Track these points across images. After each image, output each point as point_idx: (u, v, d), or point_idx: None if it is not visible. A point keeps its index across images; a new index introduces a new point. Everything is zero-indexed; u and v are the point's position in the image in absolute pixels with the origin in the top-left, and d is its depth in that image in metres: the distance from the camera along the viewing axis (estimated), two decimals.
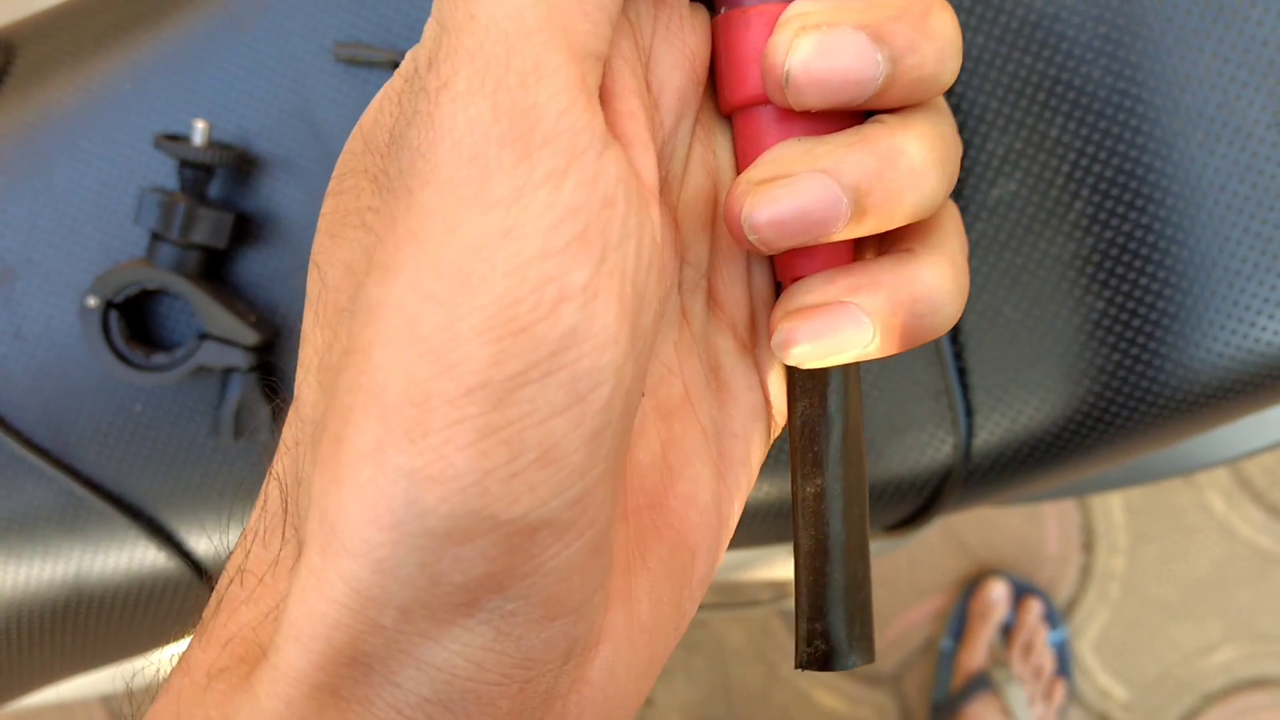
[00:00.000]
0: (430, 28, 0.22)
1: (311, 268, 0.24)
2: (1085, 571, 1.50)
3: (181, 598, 0.62)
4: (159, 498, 0.59)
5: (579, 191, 0.20)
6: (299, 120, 0.56)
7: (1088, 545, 1.50)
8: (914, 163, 0.24)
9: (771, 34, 0.24)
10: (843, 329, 0.24)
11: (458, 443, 0.19)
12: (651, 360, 0.25)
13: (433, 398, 0.19)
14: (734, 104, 0.26)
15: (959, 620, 1.49)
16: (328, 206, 0.24)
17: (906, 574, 1.51)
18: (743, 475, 0.27)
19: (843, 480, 0.27)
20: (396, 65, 0.53)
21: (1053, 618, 1.48)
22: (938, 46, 0.23)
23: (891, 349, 0.26)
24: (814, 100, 0.24)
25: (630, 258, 0.20)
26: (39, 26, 0.62)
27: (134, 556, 0.60)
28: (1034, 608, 1.47)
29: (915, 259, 0.26)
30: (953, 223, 0.28)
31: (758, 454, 0.28)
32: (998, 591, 1.47)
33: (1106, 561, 1.50)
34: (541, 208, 0.19)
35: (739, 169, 0.27)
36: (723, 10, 0.27)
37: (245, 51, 0.56)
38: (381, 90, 0.23)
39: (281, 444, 0.24)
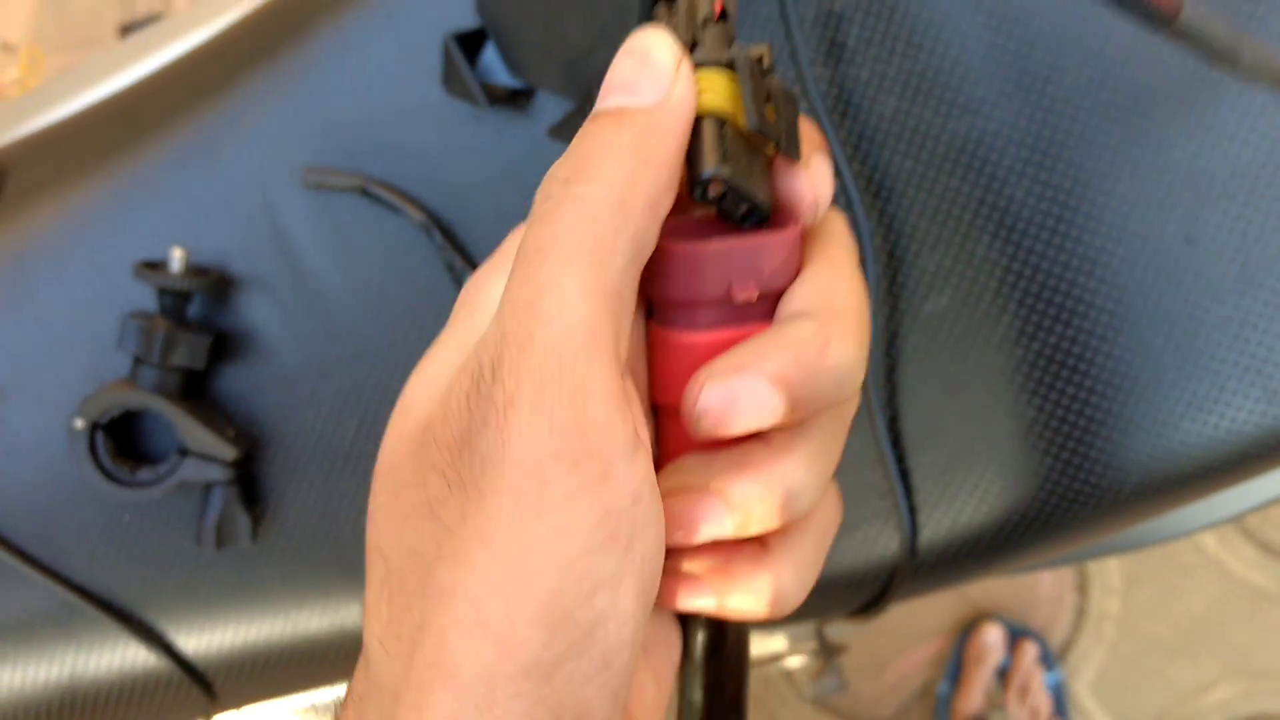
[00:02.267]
0: (493, 332, 0.25)
1: (372, 551, 0.27)
2: (1080, 613, 1.51)
3: (173, 695, 0.64)
4: (148, 602, 0.62)
5: (616, 495, 0.23)
6: (272, 242, 0.59)
7: (1082, 586, 1.52)
8: (793, 486, 0.27)
9: (683, 362, 0.28)
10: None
11: (515, 713, 0.22)
12: None
13: (496, 676, 0.22)
14: (655, 403, 0.30)
15: (955, 664, 1.50)
16: (388, 493, 0.27)
17: (903, 619, 1.52)
18: (670, 675, 0.31)
19: None
20: (363, 190, 0.56)
21: (1048, 660, 1.49)
22: (835, 376, 0.26)
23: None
24: (719, 434, 0.27)
25: (649, 544, 0.24)
26: (26, 151, 0.65)
27: (125, 658, 0.63)
28: (1030, 650, 1.48)
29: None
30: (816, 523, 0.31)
31: (678, 652, 0.31)
32: (993, 635, 1.48)
33: (1101, 602, 1.51)
34: (586, 510, 0.23)
35: (655, 440, 0.30)
36: (653, 318, 0.29)
37: (220, 177, 0.59)
38: (450, 387, 0.26)
39: (351, 692, 0.27)
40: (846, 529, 0.56)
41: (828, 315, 0.27)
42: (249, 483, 0.60)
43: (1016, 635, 1.49)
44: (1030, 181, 0.49)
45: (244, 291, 0.59)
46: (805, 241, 0.29)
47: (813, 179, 0.28)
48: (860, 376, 0.27)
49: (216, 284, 0.58)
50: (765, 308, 0.28)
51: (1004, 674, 1.48)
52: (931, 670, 1.52)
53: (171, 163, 0.60)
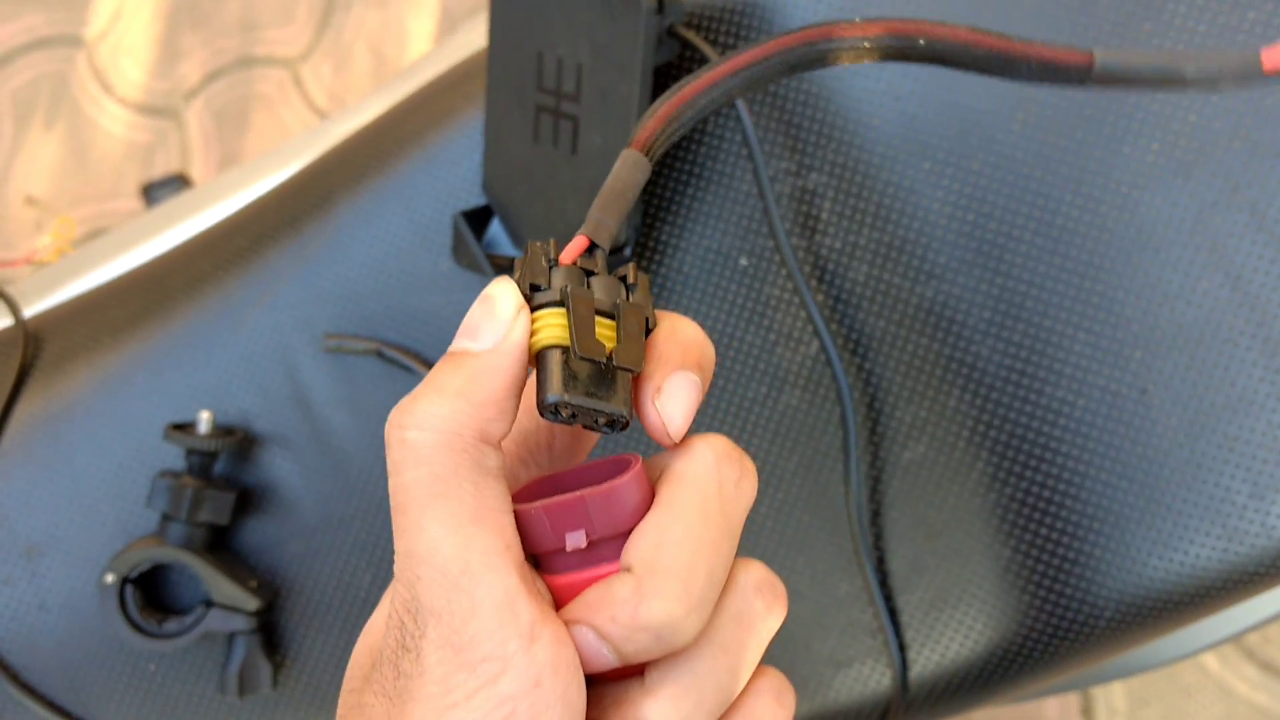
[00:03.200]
0: (406, 576, 0.29)
1: None
2: None
3: None
4: None
5: (514, 683, 0.27)
6: (293, 403, 0.63)
7: (1087, 710, 1.52)
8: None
9: (555, 601, 0.31)
10: None
11: None
12: None
13: None
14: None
15: None
16: (347, 707, 0.31)
17: None
18: None
19: None
20: (379, 354, 0.60)
21: None
22: (652, 632, 0.28)
23: None
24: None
25: (555, 711, 0.28)
26: (61, 317, 0.69)
27: None
28: None
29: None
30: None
31: None
32: None
33: None
34: (482, 701, 0.27)
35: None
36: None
37: (245, 343, 0.63)
38: (389, 613, 0.30)
39: None
40: (839, 667, 0.58)
41: (646, 573, 0.28)
42: (270, 631, 0.63)
43: None
44: (994, 340, 0.53)
45: (266, 449, 0.63)
46: (657, 478, 0.31)
47: (661, 399, 0.30)
48: (686, 631, 0.28)
49: (241, 443, 0.62)
50: (618, 546, 0.30)
51: None
52: None
53: (199, 330, 0.64)
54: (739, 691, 0.30)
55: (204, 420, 0.61)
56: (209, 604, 0.61)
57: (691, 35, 0.55)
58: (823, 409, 0.56)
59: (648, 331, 0.32)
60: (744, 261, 0.57)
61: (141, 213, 0.90)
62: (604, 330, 0.30)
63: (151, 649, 0.60)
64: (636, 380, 0.31)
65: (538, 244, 0.32)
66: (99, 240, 0.82)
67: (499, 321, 0.30)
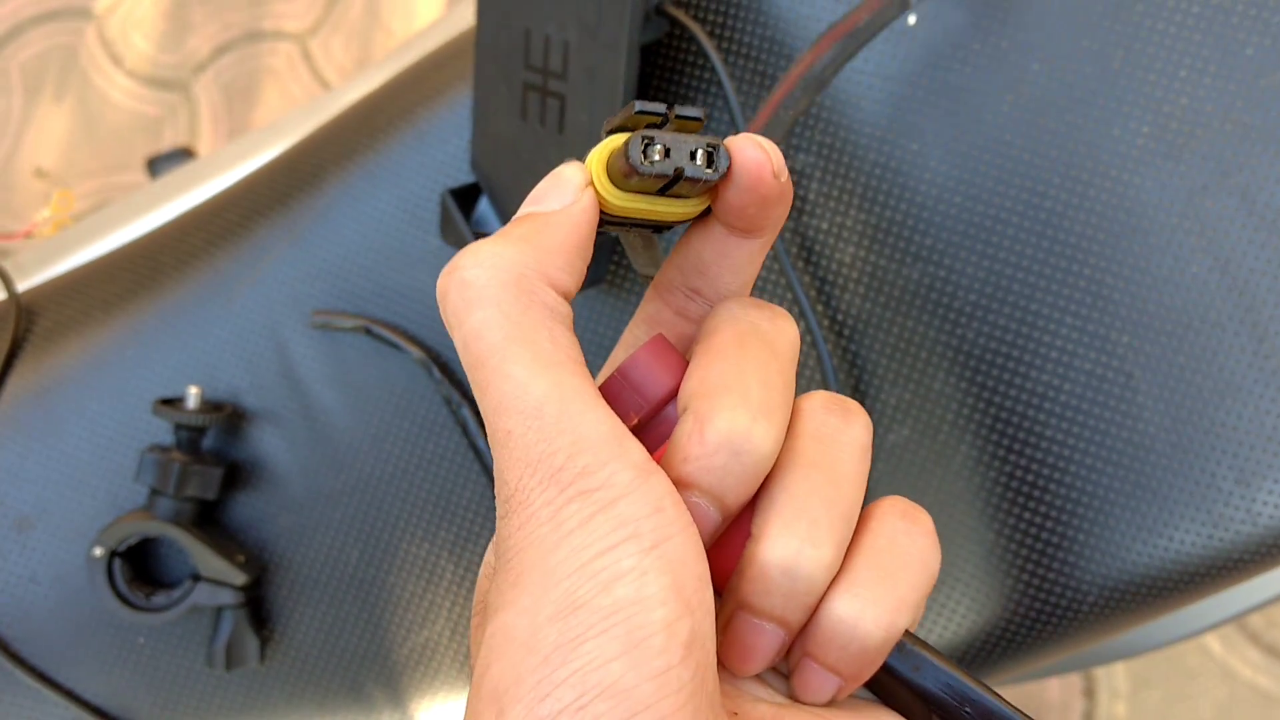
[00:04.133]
0: (498, 435, 0.27)
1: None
2: (1088, 718, 1.52)
3: None
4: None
5: (634, 508, 0.25)
6: (282, 378, 0.63)
7: (1089, 691, 1.52)
8: (784, 565, 0.28)
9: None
10: None
11: (541, 696, 0.24)
12: None
13: (523, 672, 0.25)
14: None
15: None
16: (476, 629, 0.30)
17: None
18: None
19: None
20: (367, 330, 0.60)
21: None
22: (725, 451, 0.27)
23: None
24: None
25: (677, 546, 0.26)
26: (54, 292, 0.70)
27: None
28: None
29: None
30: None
31: None
32: None
33: (1109, 708, 1.52)
34: (601, 523, 0.25)
35: None
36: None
37: (234, 319, 0.63)
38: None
39: None
40: None
41: (698, 400, 0.28)
42: (258, 606, 0.64)
43: None
44: (981, 322, 0.53)
45: (255, 425, 0.63)
46: (688, 344, 0.31)
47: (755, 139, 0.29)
48: (757, 437, 0.27)
49: (229, 418, 0.62)
50: (673, 421, 0.29)
51: None
52: None
53: (189, 305, 0.64)
54: (855, 512, 0.29)
55: (192, 395, 0.61)
56: (196, 578, 0.61)
57: (679, 14, 0.55)
58: (808, 389, 0.56)
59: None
60: None
61: (144, 186, 0.90)
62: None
63: (139, 622, 0.61)
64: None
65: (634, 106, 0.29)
66: (94, 215, 0.82)
67: (568, 186, 0.29)
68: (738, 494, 0.27)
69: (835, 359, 0.55)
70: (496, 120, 0.57)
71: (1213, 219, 0.51)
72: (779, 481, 0.28)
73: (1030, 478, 0.53)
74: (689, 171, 0.27)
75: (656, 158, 0.27)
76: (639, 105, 0.28)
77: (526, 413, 0.26)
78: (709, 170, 0.27)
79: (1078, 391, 0.52)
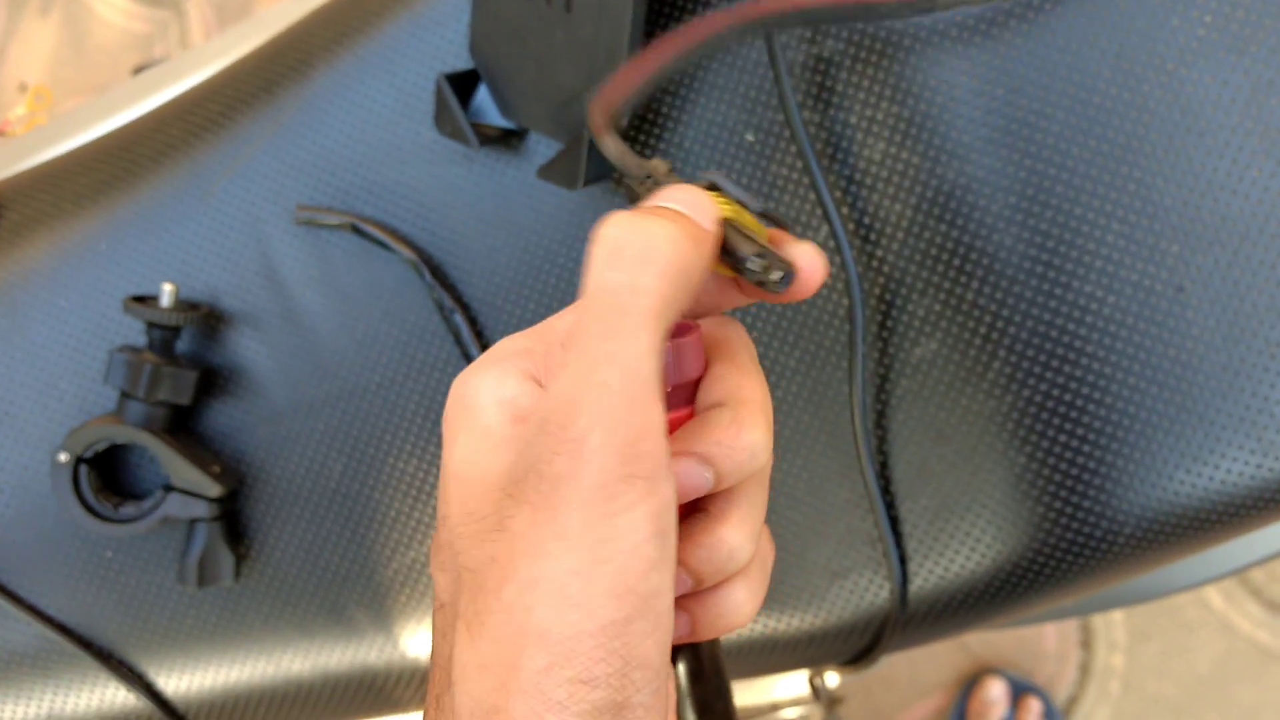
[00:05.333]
0: (566, 384, 0.30)
1: (452, 570, 0.33)
2: (1084, 669, 1.49)
3: None
4: (128, 640, 0.61)
5: (661, 501, 0.30)
6: (263, 278, 0.59)
7: (1086, 642, 1.50)
8: (732, 542, 0.34)
9: None
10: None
11: (595, 660, 0.29)
12: None
13: (581, 634, 0.29)
14: None
15: (958, 718, 1.48)
16: (469, 523, 0.32)
17: (905, 672, 1.50)
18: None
19: None
20: (353, 228, 0.56)
21: (1052, 716, 1.47)
22: (749, 451, 0.33)
23: None
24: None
25: (676, 528, 0.31)
26: (25, 185, 0.65)
27: (104, 697, 0.62)
28: (1033, 706, 1.46)
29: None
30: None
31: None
32: (996, 690, 1.46)
33: (1106, 659, 1.49)
34: (643, 512, 0.29)
35: None
36: None
37: (213, 214, 0.59)
38: (503, 442, 0.32)
39: (431, 687, 0.34)
40: (835, 577, 0.55)
41: (737, 404, 0.34)
42: (233, 520, 0.60)
43: (1020, 690, 1.47)
44: (1019, 228, 0.49)
45: (234, 327, 0.59)
46: (708, 344, 0.36)
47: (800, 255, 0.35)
48: (767, 450, 0.34)
49: (206, 319, 0.58)
50: (687, 394, 0.35)
51: None
52: None
53: (166, 199, 0.60)
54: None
55: (167, 293, 0.57)
56: (168, 488, 0.57)
57: None
58: (828, 300, 0.52)
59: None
60: (750, 137, 0.52)
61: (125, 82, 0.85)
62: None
63: (107, 534, 0.57)
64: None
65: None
66: (70, 112, 0.77)
67: (706, 215, 0.32)
68: (731, 481, 0.33)
69: (860, 266, 0.51)
70: None
71: (1277, 119, 0.46)
72: (750, 483, 0.35)
73: (1067, 397, 0.49)
74: (764, 279, 0.33)
75: (757, 267, 0.33)
76: (754, 205, 0.35)
77: (631, 379, 0.29)
78: (778, 283, 0.34)
79: (1122, 305, 0.48)
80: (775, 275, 0.33)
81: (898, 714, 1.51)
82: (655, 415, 0.30)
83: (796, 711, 1.07)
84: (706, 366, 0.35)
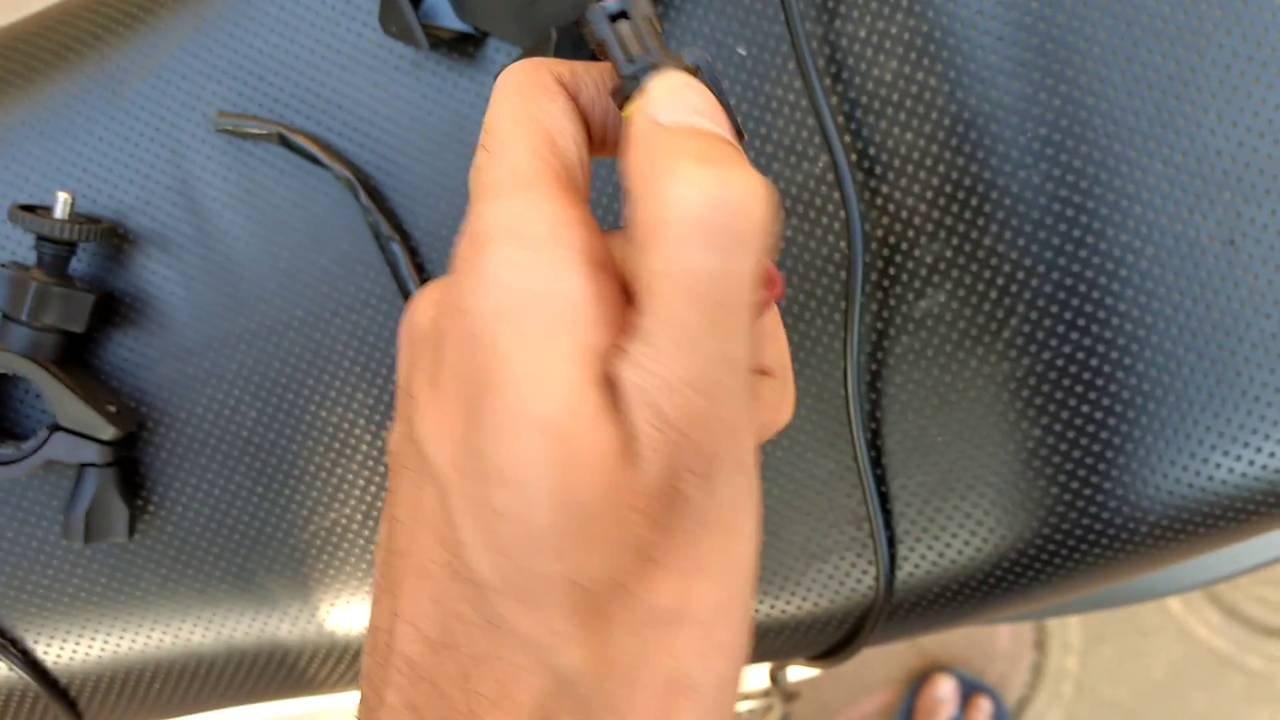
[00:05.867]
0: (688, 400, 0.25)
1: (556, 579, 0.26)
2: (1037, 670, 1.45)
3: (28, 713, 0.56)
4: (2, 603, 0.54)
5: (759, 497, 0.27)
6: (176, 194, 0.51)
7: (1040, 643, 1.45)
8: None
9: None
10: None
11: (733, 710, 0.27)
12: None
13: (729, 685, 0.26)
14: None
15: (906, 717, 1.43)
16: (576, 525, 0.25)
17: (853, 667, 1.45)
18: None
19: None
20: (281, 139, 0.49)
21: (1003, 717, 1.42)
22: (779, 429, 0.32)
23: None
24: None
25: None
26: None
27: None
28: (983, 706, 1.41)
29: None
30: None
31: None
32: (946, 688, 1.41)
33: (1060, 661, 1.45)
34: (756, 519, 0.27)
35: None
36: None
37: (122, 117, 0.51)
38: (606, 446, 0.25)
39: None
40: (814, 558, 0.48)
41: (786, 377, 0.32)
42: (129, 468, 0.52)
43: (970, 690, 1.43)
44: (1048, 164, 0.42)
45: (140, 248, 0.52)
46: None
47: None
48: None
49: (107, 236, 0.51)
50: None
51: None
52: None
53: (68, 98, 0.52)
54: None
55: (61, 202, 0.49)
56: (55, 428, 0.49)
57: None
58: (824, 242, 0.46)
59: None
60: (742, 51, 0.45)
61: None
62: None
63: None
64: None
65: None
66: None
67: (725, 125, 0.27)
68: None
69: (863, 203, 0.44)
70: None
71: None
72: None
73: (1093, 362, 0.43)
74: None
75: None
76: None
77: (741, 381, 0.26)
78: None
79: (1161, 258, 0.42)
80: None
81: (845, 709, 1.45)
82: (754, 415, 0.27)
83: (746, 705, 1.01)
84: None
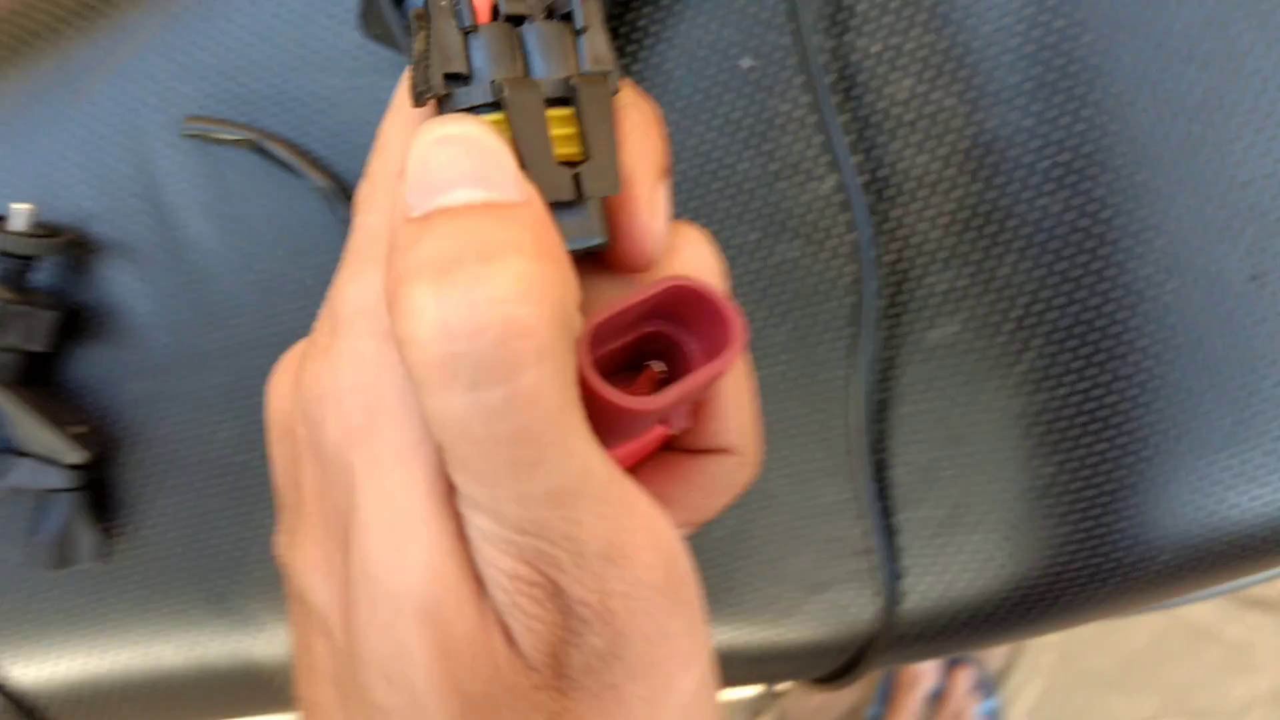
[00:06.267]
0: (558, 527, 0.21)
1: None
2: (1019, 641, 1.45)
3: None
4: None
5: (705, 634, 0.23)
6: (143, 201, 0.49)
7: None
8: None
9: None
10: None
11: None
12: None
13: None
14: None
15: (886, 687, 1.43)
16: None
17: None
18: None
19: None
20: (254, 145, 0.46)
21: (985, 687, 1.42)
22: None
23: None
24: None
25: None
26: None
27: None
28: (965, 676, 1.41)
29: None
30: None
31: None
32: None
33: None
34: (705, 653, 0.23)
35: None
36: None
37: (84, 119, 0.49)
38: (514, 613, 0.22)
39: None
40: (815, 589, 0.47)
41: (753, 458, 0.28)
42: (100, 491, 0.50)
43: (953, 661, 1.43)
44: (1068, 192, 0.40)
45: (106, 260, 0.49)
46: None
47: (655, 218, 0.24)
48: None
49: (69, 248, 0.48)
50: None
51: (937, 699, 1.41)
52: (860, 692, 1.45)
53: (26, 98, 0.49)
54: None
55: (19, 213, 0.46)
56: (17, 453, 0.47)
57: None
58: (830, 265, 0.43)
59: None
60: (747, 63, 0.43)
61: None
62: (560, 127, 0.23)
63: None
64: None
65: None
66: None
67: (512, 169, 0.21)
68: None
69: (873, 227, 0.42)
70: None
71: None
72: None
73: (1110, 398, 0.41)
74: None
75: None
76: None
77: (594, 498, 0.21)
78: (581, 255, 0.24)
79: (1184, 292, 0.40)
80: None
81: None
82: (657, 517, 0.23)
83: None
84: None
